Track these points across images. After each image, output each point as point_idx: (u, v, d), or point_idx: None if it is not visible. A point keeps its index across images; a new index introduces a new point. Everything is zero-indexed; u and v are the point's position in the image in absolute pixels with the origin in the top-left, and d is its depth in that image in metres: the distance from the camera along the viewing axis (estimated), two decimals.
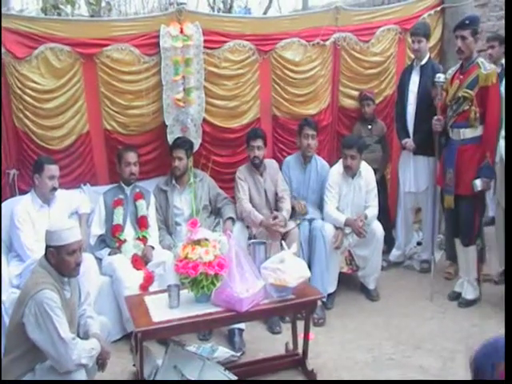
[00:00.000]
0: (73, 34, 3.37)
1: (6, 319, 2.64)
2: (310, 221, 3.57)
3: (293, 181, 3.74)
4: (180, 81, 3.55)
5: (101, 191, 3.47)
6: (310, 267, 3.37)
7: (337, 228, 3.52)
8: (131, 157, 3.40)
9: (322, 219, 3.61)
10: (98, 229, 3.32)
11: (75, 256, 2.20)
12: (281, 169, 3.76)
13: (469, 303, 3.45)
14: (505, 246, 2.87)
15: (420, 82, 3.83)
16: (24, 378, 2.12)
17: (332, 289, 3.57)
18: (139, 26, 3.52)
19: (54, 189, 3.13)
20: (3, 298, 2.76)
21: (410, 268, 4.15)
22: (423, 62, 3.84)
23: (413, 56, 3.97)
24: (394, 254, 4.20)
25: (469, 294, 3.47)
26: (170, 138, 3.66)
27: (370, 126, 4.17)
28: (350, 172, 3.59)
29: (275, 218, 3.43)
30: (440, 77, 3.45)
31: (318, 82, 4.08)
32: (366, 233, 3.46)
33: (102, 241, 3.31)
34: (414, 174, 3.95)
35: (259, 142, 3.59)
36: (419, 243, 4.30)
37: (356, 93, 4.21)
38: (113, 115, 3.59)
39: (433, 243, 3.75)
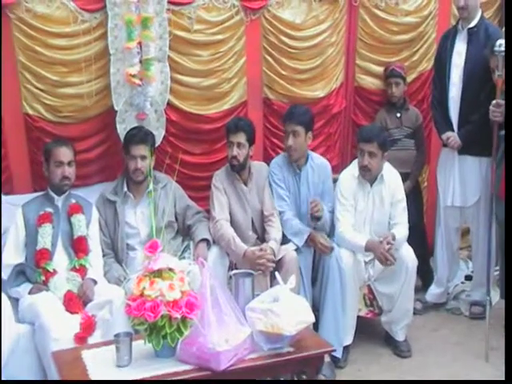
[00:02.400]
0: None
1: None
2: None
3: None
4: (135, 49, 3.59)
5: (19, 202, 3.46)
6: (315, 309, 3.42)
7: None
8: (64, 154, 3.39)
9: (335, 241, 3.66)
10: (13, 256, 3.30)
11: None
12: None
13: None
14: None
15: (467, 53, 3.89)
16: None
17: (348, 340, 3.60)
18: None
19: None
20: None
21: (455, 312, 4.20)
22: (472, 23, 3.91)
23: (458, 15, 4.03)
24: (433, 292, 4.25)
25: None
26: (121, 129, 3.69)
27: (399, 114, 4.25)
28: (368, 175, 3.64)
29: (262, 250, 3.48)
30: (502, 44, 3.48)
31: (327, 52, 4.16)
32: (394, 260, 3.49)
33: (21, 273, 3.29)
34: (460, 182, 4.02)
35: (241, 138, 3.62)
36: (468, 278, 4.37)
37: (379, 68, 4.31)
38: (37, 95, 3.61)
39: (488, 278, 3.80)
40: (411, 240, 3.73)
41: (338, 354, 3.47)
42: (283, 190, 3.74)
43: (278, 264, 3.49)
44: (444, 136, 4.03)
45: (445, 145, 4.07)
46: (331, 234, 3.74)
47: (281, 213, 3.71)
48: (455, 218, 4.15)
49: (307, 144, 3.74)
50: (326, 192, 3.80)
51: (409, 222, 3.74)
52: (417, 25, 4.31)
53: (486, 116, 3.67)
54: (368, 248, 3.54)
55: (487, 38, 3.80)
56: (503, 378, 3.37)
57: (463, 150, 3.98)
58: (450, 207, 4.11)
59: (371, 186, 3.68)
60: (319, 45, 4.12)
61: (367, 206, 3.68)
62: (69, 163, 3.40)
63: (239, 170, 3.69)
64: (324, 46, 4.14)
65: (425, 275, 4.27)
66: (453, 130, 3.99)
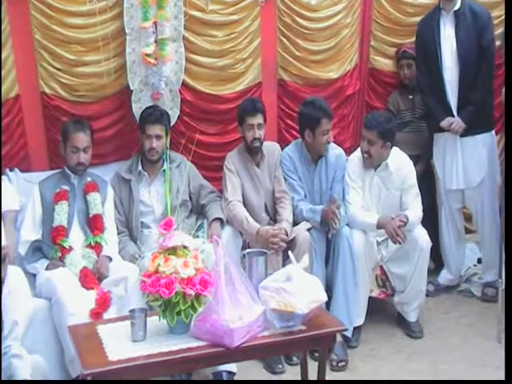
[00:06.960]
0: None
1: None
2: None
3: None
4: (150, 29, 3.58)
5: (36, 179, 3.49)
6: (328, 288, 3.43)
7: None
8: (81, 140, 3.38)
9: (347, 224, 3.64)
10: (31, 232, 3.34)
11: None
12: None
13: None
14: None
15: (458, 36, 3.83)
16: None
17: (360, 320, 3.61)
18: None
19: None
20: None
21: (467, 295, 4.21)
22: (457, 6, 3.84)
23: None
24: (445, 275, 4.25)
25: None
26: (136, 108, 3.71)
27: (411, 96, 4.23)
28: (368, 161, 3.65)
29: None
30: None
31: (342, 33, 4.14)
32: (404, 238, 3.48)
33: (37, 249, 3.32)
34: (463, 164, 3.99)
35: (260, 119, 3.63)
36: (481, 260, 4.35)
37: (394, 50, 4.27)
38: (54, 74, 3.62)
39: (500, 260, 3.78)
40: (423, 222, 3.72)
41: (349, 334, 3.47)
42: (295, 180, 3.73)
43: (291, 244, 3.49)
44: (445, 122, 3.94)
45: (442, 130, 3.97)
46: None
47: (295, 205, 3.69)
48: (457, 199, 4.13)
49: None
50: (336, 181, 3.75)
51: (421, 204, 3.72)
52: (432, 6, 4.23)
53: (485, 96, 3.70)
54: (380, 225, 3.54)
55: (474, 18, 3.79)
56: None
57: (464, 133, 3.93)
58: (450, 190, 4.08)
59: (375, 170, 3.68)
60: (334, 26, 4.10)
61: (373, 188, 3.69)
62: (85, 149, 3.41)
63: (258, 152, 3.69)
64: (339, 27, 4.11)
65: (437, 258, 4.25)
66: (451, 115, 3.93)
